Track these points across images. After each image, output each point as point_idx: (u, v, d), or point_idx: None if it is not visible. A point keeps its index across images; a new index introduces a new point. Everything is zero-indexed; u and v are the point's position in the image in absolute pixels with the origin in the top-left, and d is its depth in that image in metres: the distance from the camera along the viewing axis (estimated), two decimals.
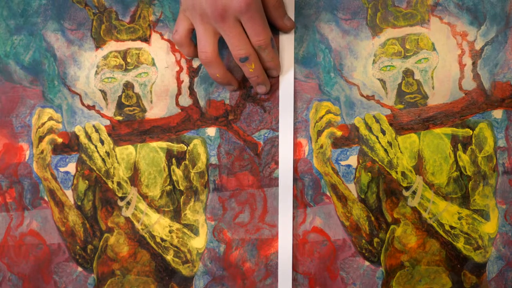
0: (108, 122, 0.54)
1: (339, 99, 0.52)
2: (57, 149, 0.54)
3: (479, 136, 0.51)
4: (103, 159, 0.54)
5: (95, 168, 0.54)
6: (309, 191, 0.52)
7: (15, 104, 0.55)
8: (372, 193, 0.52)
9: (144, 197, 0.53)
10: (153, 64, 0.54)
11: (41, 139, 0.54)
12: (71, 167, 0.54)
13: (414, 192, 0.52)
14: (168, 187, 0.53)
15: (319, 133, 0.52)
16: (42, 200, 0.54)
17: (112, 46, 0.54)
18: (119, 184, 0.53)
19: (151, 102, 0.54)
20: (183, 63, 0.54)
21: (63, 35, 0.55)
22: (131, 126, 0.54)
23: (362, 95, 0.52)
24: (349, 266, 0.52)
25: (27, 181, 0.54)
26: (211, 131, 0.53)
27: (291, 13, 0.52)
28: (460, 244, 0.51)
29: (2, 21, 0.55)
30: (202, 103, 0.53)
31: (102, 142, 0.54)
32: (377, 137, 0.52)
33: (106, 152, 0.54)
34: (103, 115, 0.54)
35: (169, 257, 0.53)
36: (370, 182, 0.52)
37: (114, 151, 0.54)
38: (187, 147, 0.53)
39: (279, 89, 0.52)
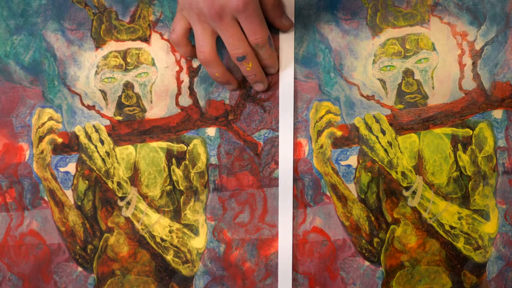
0: (108, 122, 0.54)
1: (339, 99, 0.52)
2: (57, 149, 0.54)
3: (479, 136, 0.51)
4: (103, 159, 0.54)
5: (95, 168, 0.54)
6: (309, 191, 0.52)
7: (15, 104, 0.55)
8: (372, 193, 0.52)
9: (144, 197, 0.53)
10: (153, 64, 0.54)
11: (41, 139, 0.54)
12: (71, 167, 0.54)
13: (414, 192, 0.52)
14: (168, 187, 0.53)
15: (319, 133, 0.52)
16: (42, 200, 0.54)
17: (112, 46, 0.54)
18: (119, 184, 0.53)
19: (151, 102, 0.54)
20: (183, 63, 0.54)
21: (63, 35, 0.55)
22: (131, 126, 0.54)
23: (362, 95, 0.52)
24: (349, 266, 0.52)
25: (27, 181, 0.54)
26: (211, 131, 0.53)
27: (291, 13, 0.52)
28: (460, 244, 0.51)
29: (2, 21, 0.55)
30: (202, 103, 0.53)
31: (102, 142, 0.54)
32: (377, 137, 0.52)
33: (106, 152, 0.54)
34: (103, 115, 0.54)
35: (169, 257, 0.53)
36: (370, 182, 0.52)
37: (114, 151, 0.54)
38: (187, 147, 0.53)
39: (279, 89, 0.52)
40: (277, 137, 0.53)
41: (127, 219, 0.53)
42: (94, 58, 0.55)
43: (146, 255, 0.53)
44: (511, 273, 0.51)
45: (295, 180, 0.52)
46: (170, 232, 0.53)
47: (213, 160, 0.53)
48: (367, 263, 0.52)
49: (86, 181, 0.54)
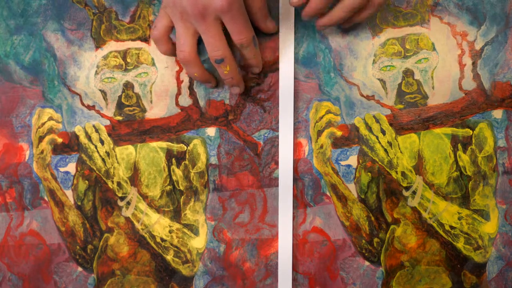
0: (108, 122, 0.54)
1: (339, 99, 0.52)
2: (57, 149, 0.54)
3: (479, 136, 0.51)
4: (103, 159, 0.54)
5: (95, 168, 0.54)
6: (309, 191, 0.52)
7: (15, 104, 0.55)
8: (372, 193, 0.52)
9: (144, 197, 0.53)
10: (153, 64, 0.54)
11: (41, 139, 0.54)
12: (71, 167, 0.54)
13: (414, 192, 0.52)
14: (168, 187, 0.53)
15: (319, 133, 0.52)
16: (42, 200, 0.54)
17: (112, 46, 0.54)
18: (119, 184, 0.53)
19: (151, 102, 0.54)
20: None
21: (63, 35, 0.55)
22: (131, 126, 0.54)
23: (362, 95, 0.52)
24: (349, 266, 0.52)
25: (27, 181, 0.54)
26: (211, 131, 0.53)
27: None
28: (460, 244, 0.51)
29: (2, 21, 0.55)
30: (202, 103, 0.53)
31: (102, 142, 0.54)
32: (377, 137, 0.52)
33: (106, 152, 0.54)
34: (103, 115, 0.54)
35: (169, 257, 0.53)
36: (370, 182, 0.52)
37: (114, 151, 0.54)
38: (187, 147, 0.53)
39: (279, 89, 0.52)
40: (277, 137, 0.53)
41: (127, 219, 0.53)
42: (94, 58, 0.55)
43: (146, 255, 0.53)
44: (511, 273, 0.51)
45: (295, 180, 0.52)
46: (170, 232, 0.53)
47: (213, 160, 0.53)
48: (367, 263, 0.52)
49: (86, 181, 0.54)
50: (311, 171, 0.52)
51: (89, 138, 0.54)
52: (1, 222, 0.54)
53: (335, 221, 0.52)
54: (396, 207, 0.52)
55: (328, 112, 0.53)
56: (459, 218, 0.51)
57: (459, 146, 0.51)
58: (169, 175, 0.53)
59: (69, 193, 0.54)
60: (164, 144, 0.53)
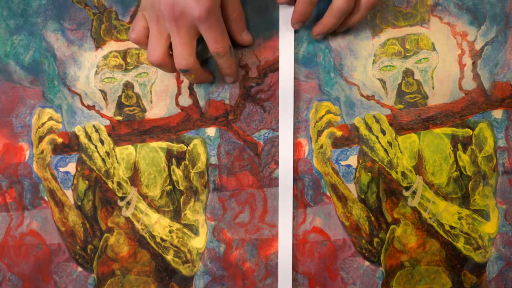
0: (108, 122, 0.54)
1: (339, 99, 0.52)
2: (57, 149, 0.54)
3: (479, 136, 0.51)
4: (103, 159, 0.54)
5: (95, 168, 0.54)
6: (309, 191, 0.52)
7: (15, 104, 0.55)
8: (372, 193, 0.52)
9: (144, 197, 0.53)
10: None
11: (41, 139, 0.54)
12: (71, 167, 0.54)
13: (414, 192, 0.52)
14: (168, 187, 0.53)
15: (319, 133, 0.52)
16: (42, 200, 0.54)
17: (112, 46, 0.54)
18: (119, 184, 0.53)
19: (151, 102, 0.54)
20: None
21: (63, 35, 0.55)
22: (131, 126, 0.54)
23: (362, 95, 0.52)
24: (349, 266, 0.52)
25: (27, 181, 0.54)
26: (211, 131, 0.53)
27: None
28: (460, 244, 0.51)
29: (2, 21, 0.55)
30: (202, 103, 0.53)
31: (102, 142, 0.54)
32: (377, 137, 0.52)
33: (106, 152, 0.54)
34: (103, 115, 0.54)
35: (169, 257, 0.53)
36: (370, 182, 0.52)
37: (114, 151, 0.54)
38: (187, 147, 0.53)
39: (279, 89, 0.52)
40: (277, 137, 0.53)
41: (127, 219, 0.53)
42: (94, 58, 0.55)
43: (146, 255, 0.53)
44: (511, 273, 0.51)
45: (295, 180, 0.52)
46: (170, 232, 0.53)
47: (213, 160, 0.53)
48: (367, 263, 0.52)
49: (86, 181, 0.54)
50: (311, 171, 0.52)
51: (89, 138, 0.54)
52: (1, 222, 0.54)
53: (335, 221, 0.52)
54: (396, 207, 0.52)
55: (328, 112, 0.53)
56: (459, 218, 0.51)
57: (459, 146, 0.51)
58: (169, 175, 0.53)
59: (69, 193, 0.54)
60: (164, 144, 0.53)
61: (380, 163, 0.52)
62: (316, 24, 0.51)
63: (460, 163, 0.51)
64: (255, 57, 0.53)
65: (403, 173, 0.52)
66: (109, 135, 0.54)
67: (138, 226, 0.53)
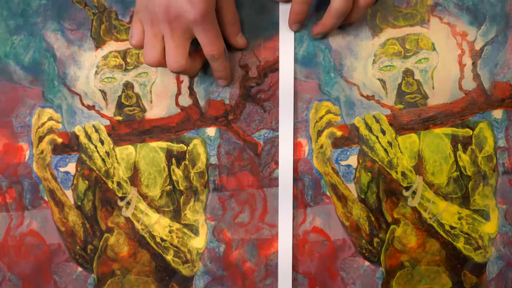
0: (108, 122, 0.54)
1: (339, 99, 0.52)
2: (57, 149, 0.54)
3: (479, 136, 0.51)
4: (103, 159, 0.54)
5: (95, 168, 0.54)
6: (309, 191, 0.52)
7: (15, 104, 0.55)
8: (372, 193, 0.52)
9: (144, 197, 0.53)
10: None
11: (41, 139, 0.54)
12: (71, 167, 0.54)
13: (414, 192, 0.52)
14: (168, 187, 0.53)
15: (319, 133, 0.52)
16: (42, 200, 0.54)
17: (112, 46, 0.54)
18: (119, 184, 0.53)
19: (151, 102, 0.54)
20: None
21: (63, 35, 0.55)
22: (131, 126, 0.54)
23: (362, 95, 0.52)
24: (349, 266, 0.52)
25: (27, 181, 0.54)
26: (211, 131, 0.53)
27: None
28: (460, 244, 0.51)
29: (2, 21, 0.55)
30: (202, 103, 0.53)
31: (102, 142, 0.54)
32: (377, 137, 0.52)
33: (106, 152, 0.54)
34: (103, 115, 0.54)
35: (169, 257, 0.53)
36: (370, 182, 0.52)
37: (114, 151, 0.54)
38: (187, 147, 0.53)
39: (279, 89, 0.52)
40: (277, 137, 0.53)
41: (127, 219, 0.53)
42: (94, 58, 0.55)
43: (146, 255, 0.53)
44: (511, 273, 0.51)
45: (295, 180, 0.52)
46: (170, 232, 0.53)
47: (213, 160, 0.53)
48: (367, 263, 0.52)
49: (86, 181, 0.54)
50: (311, 171, 0.52)
51: (89, 138, 0.54)
52: (1, 222, 0.54)
53: (335, 221, 0.52)
54: (396, 207, 0.52)
55: (328, 112, 0.53)
56: (459, 218, 0.51)
57: (459, 146, 0.51)
58: (169, 175, 0.53)
59: (69, 193, 0.54)
60: (164, 144, 0.53)
61: (380, 163, 0.52)
62: (316, 24, 0.51)
63: (460, 163, 0.51)
64: (255, 57, 0.53)
65: (403, 173, 0.52)
66: (109, 135, 0.54)
67: (138, 226, 0.53)
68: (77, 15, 0.55)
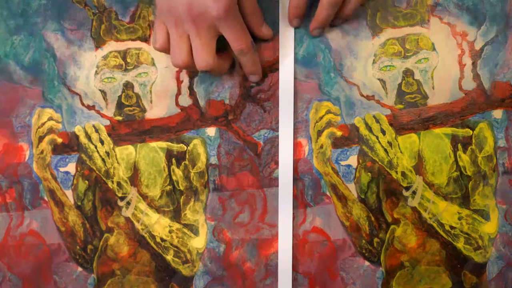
0: (108, 122, 0.54)
1: (339, 99, 0.52)
2: (57, 149, 0.54)
3: (479, 136, 0.51)
4: (103, 159, 0.54)
5: (95, 168, 0.54)
6: (309, 191, 0.52)
7: (15, 104, 0.55)
8: (372, 193, 0.52)
9: (144, 197, 0.53)
10: (153, 64, 0.54)
11: (41, 139, 0.54)
12: (71, 167, 0.54)
13: (414, 192, 0.52)
14: (168, 187, 0.53)
15: (319, 133, 0.52)
16: (42, 200, 0.54)
17: (112, 46, 0.54)
18: (119, 184, 0.53)
19: (151, 102, 0.54)
20: None
21: (63, 35, 0.55)
22: (131, 126, 0.54)
23: (362, 95, 0.52)
24: (349, 266, 0.52)
25: (27, 181, 0.54)
26: (211, 131, 0.53)
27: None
28: (460, 244, 0.51)
29: (2, 21, 0.55)
30: (202, 103, 0.53)
31: (102, 142, 0.54)
32: (377, 137, 0.52)
33: (106, 152, 0.54)
34: (103, 115, 0.54)
35: (169, 257, 0.53)
36: (370, 182, 0.52)
37: (114, 151, 0.54)
38: (187, 147, 0.53)
39: (279, 89, 0.52)
40: (277, 137, 0.53)
41: (127, 219, 0.53)
42: (94, 58, 0.55)
43: (146, 255, 0.53)
44: (511, 273, 0.51)
45: (295, 180, 0.52)
46: (170, 232, 0.53)
47: (213, 160, 0.53)
48: (367, 263, 0.52)
49: (86, 181, 0.54)
50: (311, 171, 0.52)
51: (89, 138, 0.54)
52: (1, 222, 0.54)
53: (335, 221, 0.52)
54: (396, 207, 0.52)
55: (328, 112, 0.53)
56: (459, 218, 0.51)
57: (459, 146, 0.51)
58: (169, 175, 0.53)
59: (69, 193, 0.54)
60: (164, 144, 0.53)
61: (380, 163, 0.52)
62: (312, 20, 0.51)
63: (460, 163, 0.51)
64: None
65: (403, 173, 0.52)
66: (109, 135, 0.54)
67: (138, 226, 0.53)
68: (77, 15, 0.55)
